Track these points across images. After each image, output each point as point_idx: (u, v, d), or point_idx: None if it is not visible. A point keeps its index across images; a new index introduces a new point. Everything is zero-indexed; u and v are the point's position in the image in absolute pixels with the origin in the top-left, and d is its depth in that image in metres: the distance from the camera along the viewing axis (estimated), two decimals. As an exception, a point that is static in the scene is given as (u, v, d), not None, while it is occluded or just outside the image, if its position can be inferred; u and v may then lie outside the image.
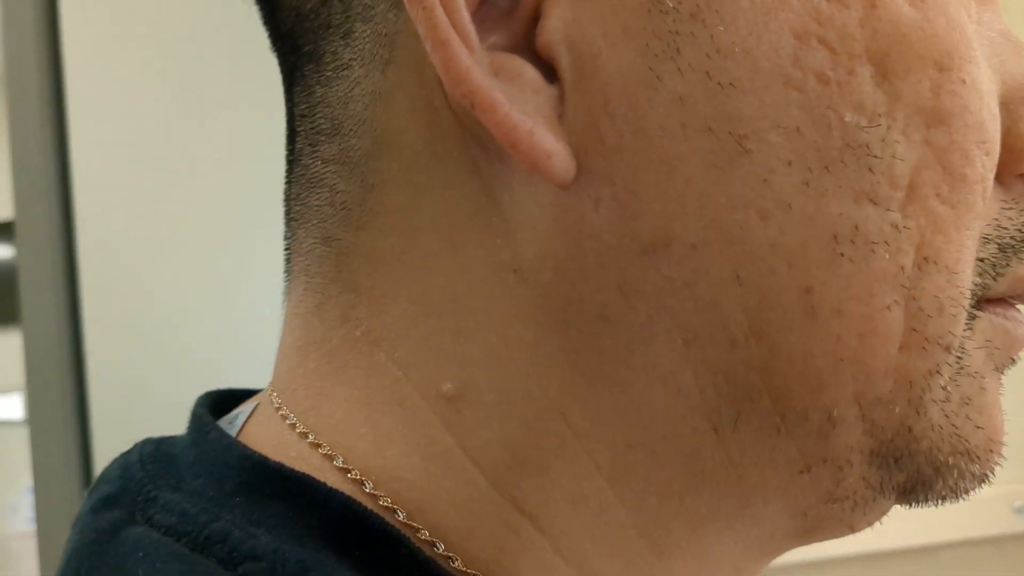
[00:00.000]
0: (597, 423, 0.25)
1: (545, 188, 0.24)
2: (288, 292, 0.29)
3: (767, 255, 0.23)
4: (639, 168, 0.23)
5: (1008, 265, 0.26)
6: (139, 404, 0.91)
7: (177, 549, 0.24)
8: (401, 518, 0.25)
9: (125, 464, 0.28)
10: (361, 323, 0.26)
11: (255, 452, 0.26)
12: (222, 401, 0.31)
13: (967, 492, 0.27)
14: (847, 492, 0.26)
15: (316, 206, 0.27)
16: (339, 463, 0.25)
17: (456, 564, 0.25)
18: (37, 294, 0.94)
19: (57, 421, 0.92)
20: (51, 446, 0.92)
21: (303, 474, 0.25)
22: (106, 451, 0.90)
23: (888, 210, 0.23)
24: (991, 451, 0.27)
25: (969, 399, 0.26)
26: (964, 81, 0.24)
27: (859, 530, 0.27)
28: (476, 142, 0.24)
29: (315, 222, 0.27)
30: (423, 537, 0.25)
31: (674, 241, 0.23)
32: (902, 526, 0.93)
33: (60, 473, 0.92)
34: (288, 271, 0.29)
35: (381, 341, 0.25)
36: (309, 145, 0.27)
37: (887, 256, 0.23)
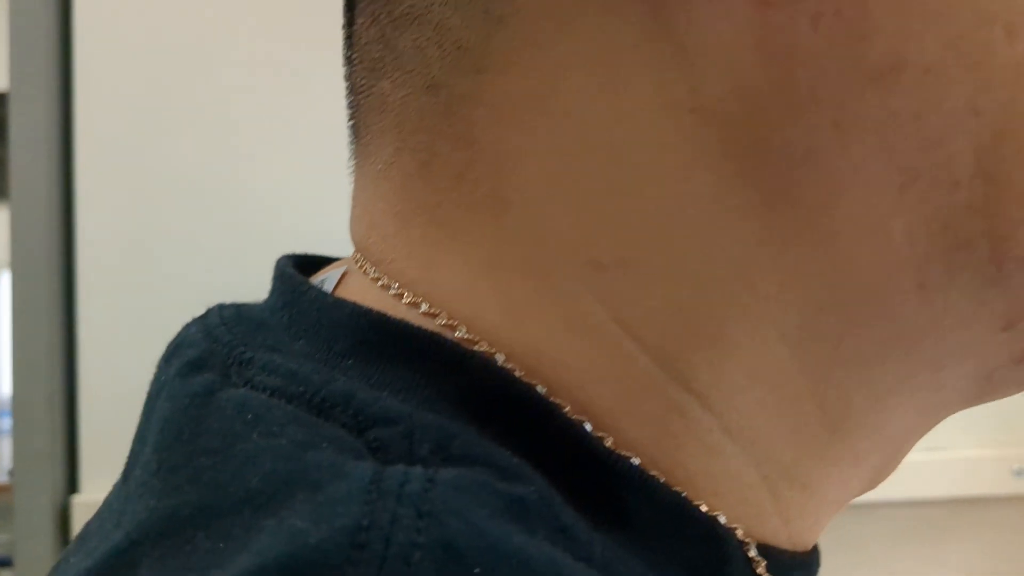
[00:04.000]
0: (786, 285, 0.22)
1: (742, 4, 0.20)
2: (364, 155, 0.26)
3: (1010, 81, 0.20)
4: None
5: None
6: (129, 287, 0.88)
7: (292, 411, 0.20)
8: (542, 393, 0.22)
9: (206, 327, 0.25)
10: (482, 183, 0.22)
11: (371, 308, 0.23)
12: (299, 267, 0.27)
13: None
14: None
15: (414, 48, 0.23)
16: (462, 333, 0.22)
17: (608, 444, 0.22)
18: (29, 169, 0.91)
19: (42, 300, 0.89)
20: (35, 325, 0.89)
21: (434, 332, 0.22)
22: (92, 336, 0.87)
23: None
24: None
25: None
26: None
27: None
28: None
29: (411, 68, 0.23)
30: (571, 415, 0.22)
31: (908, 66, 0.20)
32: (901, 479, 0.92)
33: (42, 344, 0.89)
34: (361, 130, 0.26)
35: (510, 203, 0.22)
36: None
37: None
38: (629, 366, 0.22)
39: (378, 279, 0.24)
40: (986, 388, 0.25)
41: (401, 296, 0.23)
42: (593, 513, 0.21)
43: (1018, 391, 0.25)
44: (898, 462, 0.27)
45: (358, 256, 0.26)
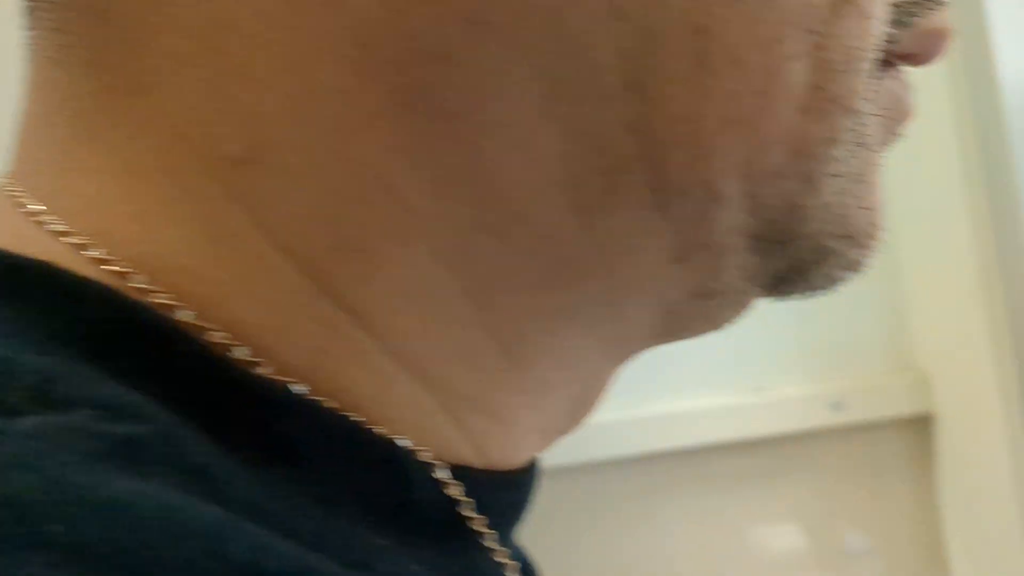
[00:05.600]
0: (433, 196, 0.20)
1: None
2: (35, 39, 0.22)
3: None
4: None
5: (914, 15, 0.23)
6: None
7: None
8: (186, 317, 0.19)
9: None
10: (117, 67, 0.20)
11: None
12: None
13: (839, 281, 0.25)
14: (722, 285, 0.23)
15: None
16: (94, 253, 0.19)
17: (266, 372, 0.20)
18: None
19: None
20: None
21: (41, 261, 0.19)
22: None
23: None
24: (872, 236, 0.24)
25: (860, 176, 0.23)
26: None
27: (722, 327, 0.25)
28: None
29: None
30: (218, 340, 0.19)
31: None
32: (718, 421, 0.91)
33: None
34: (33, 7, 0.22)
35: (142, 90, 0.20)
36: None
37: None
38: (277, 279, 0.20)
39: (16, 197, 0.21)
40: (673, 323, 0.24)
41: (33, 214, 0.20)
42: (247, 448, 0.19)
43: (708, 328, 0.24)
44: (599, 394, 0.26)
45: (6, 175, 0.22)
